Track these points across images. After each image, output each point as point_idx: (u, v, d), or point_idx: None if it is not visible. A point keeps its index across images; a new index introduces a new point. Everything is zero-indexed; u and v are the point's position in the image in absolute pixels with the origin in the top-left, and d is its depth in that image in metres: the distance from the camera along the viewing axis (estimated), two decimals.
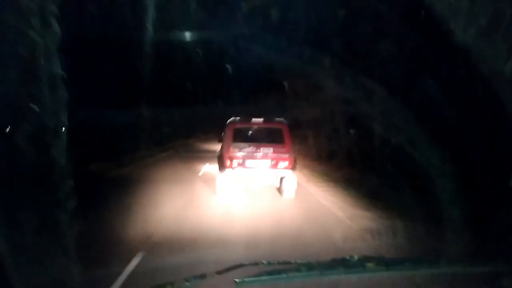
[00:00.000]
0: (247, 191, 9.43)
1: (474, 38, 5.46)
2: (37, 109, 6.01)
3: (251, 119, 8.85)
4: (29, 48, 5.37)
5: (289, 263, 1.88)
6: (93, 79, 14.14)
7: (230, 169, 8.43)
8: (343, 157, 14.75)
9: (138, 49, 16.19)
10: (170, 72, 22.53)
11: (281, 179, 8.72)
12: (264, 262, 1.90)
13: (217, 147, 11.24)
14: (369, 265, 1.78)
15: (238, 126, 8.79)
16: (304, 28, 12.85)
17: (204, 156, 18.72)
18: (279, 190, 9.15)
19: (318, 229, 6.58)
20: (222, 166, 8.65)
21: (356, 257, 1.88)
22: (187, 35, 14.77)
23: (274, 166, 8.48)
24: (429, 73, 8.38)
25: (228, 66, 21.63)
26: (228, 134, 8.67)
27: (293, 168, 8.66)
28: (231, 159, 8.42)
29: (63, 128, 6.18)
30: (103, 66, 15.12)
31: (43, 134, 5.95)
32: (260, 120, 8.83)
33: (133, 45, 16.39)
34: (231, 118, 8.99)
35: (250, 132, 8.77)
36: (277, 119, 9.09)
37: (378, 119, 11.23)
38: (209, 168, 13.90)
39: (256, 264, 1.88)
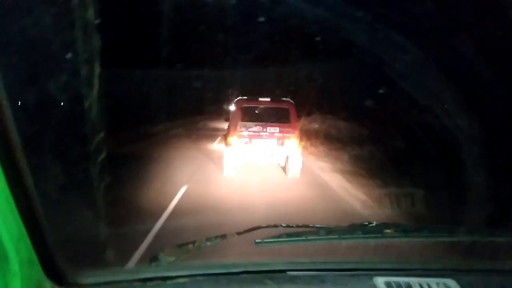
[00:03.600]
0: (253, 169, 9.53)
1: None
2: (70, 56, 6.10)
3: (258, 98, 9.02)
4: None
5: (308, 226, 1.88)
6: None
7: (237, 147, 8.60)
8: (368, 117, 14.56)
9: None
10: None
11: (287, 158, 8.79)
12: (283, 224, 1.91)
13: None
14: (388, 231, 1.75)
15: (246, 105, 8.94)
16: None
17: None
18: (284, 169, 9.24)
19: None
20: (229, 144, 8.80)
21: (374, 223, 1.85)
22: None
23: (281, 145, 8.62)
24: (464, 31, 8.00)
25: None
26: (235, 113, 8.88)
27: (299, 147, 8.78)
28: (239, 137, 8.61)
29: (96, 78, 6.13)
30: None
31: (76, 83, 6.01)
32: (267, 99, 9.00)
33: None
34: (238, 97, 9.22)
35: (258, 111, 8.90)
36: (284, 99, 9.25)
37: (407, 78, 10.92)
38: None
39: (275, 226, 1.89)
